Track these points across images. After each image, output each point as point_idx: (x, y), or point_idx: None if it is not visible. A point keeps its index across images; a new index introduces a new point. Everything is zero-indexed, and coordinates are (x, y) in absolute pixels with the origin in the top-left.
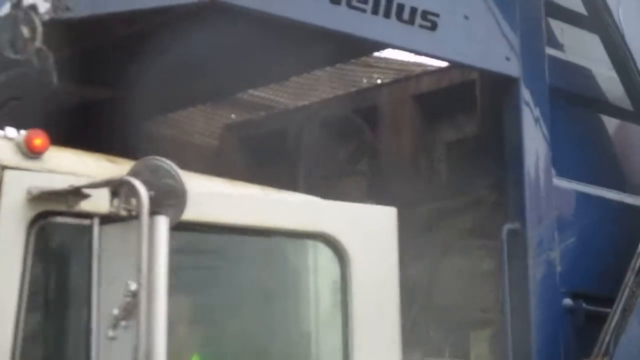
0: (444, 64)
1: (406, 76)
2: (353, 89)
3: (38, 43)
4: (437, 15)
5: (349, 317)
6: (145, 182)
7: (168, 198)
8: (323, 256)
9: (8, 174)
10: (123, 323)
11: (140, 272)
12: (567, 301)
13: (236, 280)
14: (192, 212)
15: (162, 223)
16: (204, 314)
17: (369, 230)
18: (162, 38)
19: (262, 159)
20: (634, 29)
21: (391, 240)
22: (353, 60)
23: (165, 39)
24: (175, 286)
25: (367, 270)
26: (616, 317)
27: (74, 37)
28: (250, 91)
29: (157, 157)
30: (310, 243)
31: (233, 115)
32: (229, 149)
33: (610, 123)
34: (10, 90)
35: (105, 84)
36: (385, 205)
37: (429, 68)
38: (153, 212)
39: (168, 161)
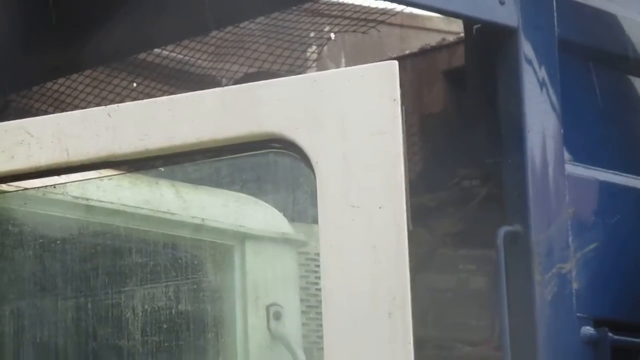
0: (414, 10)
1: None
2: (295, 44)
3: None
4: None
5: None
6: None
7: None
8: None
9: None
10: None
11: None
12: (588, 330)
13: None
14: None
15: None
16: None
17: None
18: None
19: None
20: None
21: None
22: (295, 8)
23: None
24: None
25: None
26: None
27: None
28: (157, 51)
29: None
30: None
31: (134, 84)
32: None
33: None
34: None
35: None
36: None
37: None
38: None
39: None
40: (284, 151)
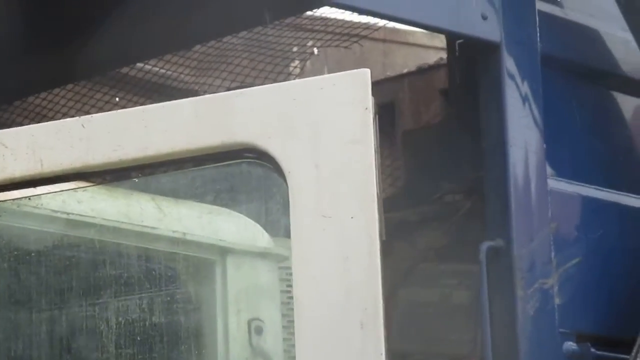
0: (397, 25)
1: None
2: (278, 59)
3: None
4: None
5: None
6: None
7: None
8: None
9: None
10: None
11: None
12: (570, 345)
13: None
14: None
15: None
16: None
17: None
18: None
19: None
20: None
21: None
22: (278, 22)
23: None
24: None
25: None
26: None
27: None
28: (139, 65)
29: None
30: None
31: (117, 98)
32: None
33: (626, 102)
34: None
35: None
36: None
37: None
38: None
39: None
40: (257, 161)
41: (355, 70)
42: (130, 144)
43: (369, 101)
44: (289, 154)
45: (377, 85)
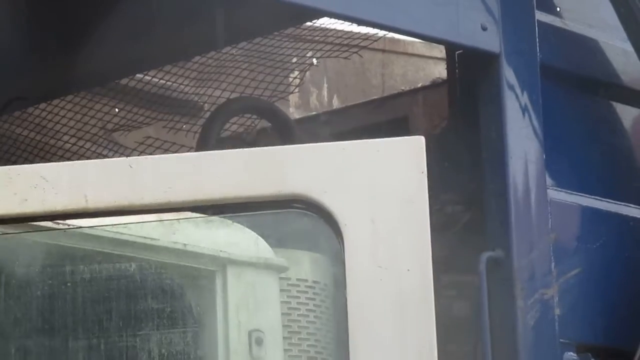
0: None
1: None
2: (277, 69)
3: None
4: None
5: None
6: None
7: None
8: None
9: None
10: None
11: None
12: (570, 355)
13: None
14: None
15: None
16: None
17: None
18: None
19: None
20: None
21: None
22: (277, 33)
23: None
24: None
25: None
26: None
27: None
28: (139, 76)
29: None
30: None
31: (116, 109)
32: None
33: (626, 113)
34: None
35: None
36: None
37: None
38: None
39: None
40: (307, 212)
41: (411, 137)
42: (182, 187)
43: (424, 166)
44: (346, 208)
45: (392, 100)
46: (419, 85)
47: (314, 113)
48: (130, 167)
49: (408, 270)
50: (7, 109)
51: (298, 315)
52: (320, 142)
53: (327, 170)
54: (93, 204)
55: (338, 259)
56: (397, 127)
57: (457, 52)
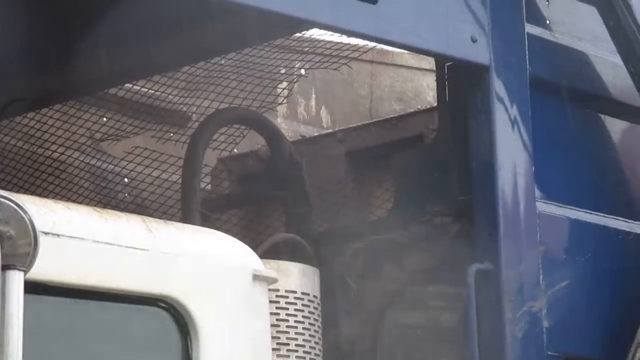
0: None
1: None
2: (266, 80)
3: None
4: None
5: None
6: None
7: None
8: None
9: None
10: None
11: None
12: None
13: None
14: None
15: (15, 279)
16: None
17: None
18: None
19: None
20: None
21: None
22: (266, 44)
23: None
24: None
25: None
26: None
27: None
28: (127, 85)
29: None
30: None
31: (104, 119)
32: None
33: (615, 125)
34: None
35: None
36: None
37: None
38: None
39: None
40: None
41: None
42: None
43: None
44: (205, 312)
45: (407, 118)
46: (435, 104)
47: (329, 131)
48: None
49: None
50: (7, 110)
51: (287, 326)
52: (336, 161)
53: (192, 277)
54: None
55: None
56: (413, 145)
57: (446, 64)
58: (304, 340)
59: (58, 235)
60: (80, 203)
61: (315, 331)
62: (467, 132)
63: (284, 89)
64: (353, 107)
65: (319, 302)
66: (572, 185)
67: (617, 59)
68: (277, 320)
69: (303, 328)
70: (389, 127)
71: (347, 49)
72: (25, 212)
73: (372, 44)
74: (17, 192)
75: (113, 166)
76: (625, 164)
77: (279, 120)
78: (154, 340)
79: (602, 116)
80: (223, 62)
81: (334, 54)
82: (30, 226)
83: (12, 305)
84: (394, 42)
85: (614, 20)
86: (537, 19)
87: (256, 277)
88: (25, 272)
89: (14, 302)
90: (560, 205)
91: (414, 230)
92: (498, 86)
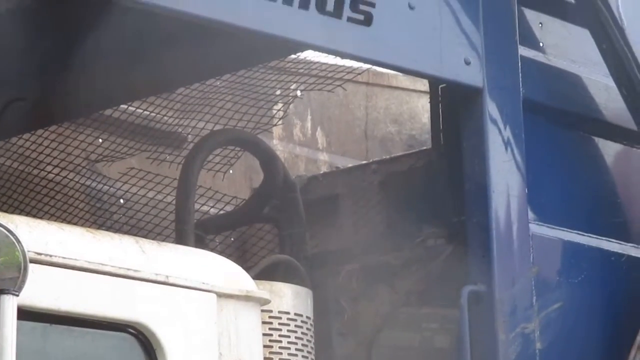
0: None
1: None
2: (261, 102)
3: None
4: (372, 4)
5: None
6: None
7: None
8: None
9: None
10: None
11: None
12: None
13: None
14: None
15: (9, 304)
16: None
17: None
18: None
19: None
20: (638, 22)
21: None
22: (261, 65)
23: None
24: None
25: None
26: None
27: None
28: (123, 107)
29: None
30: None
31: (100, 140)
32: None
33: (608, 148)
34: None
35: None
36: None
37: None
38: None
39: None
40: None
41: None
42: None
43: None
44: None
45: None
46: None
47: (364, 162)
48: None
49: None
50: (7, 111)
51: (279, 347)
52: (369, 191)
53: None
54: None
55: None
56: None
57: (440, 86)
58: None
59: (51, 256)
60: (75, 224)
61: (308, 352)
62: (460, 153)
63: (279, 110)
64: (349, 129)
65: (312, 323)
66: (565, 207)
67: (610, 82)
68: (269, 341)
69: (296, 349)
70: (420, 156)
71: (342, 71)
72: (15, 237)
73: (367, 66)
74: (12, 212)
75: (108, 187)
76: (618, 186)
77: (275, 141)
78: None
79: (596, 138)
80: (218, 83)
81: (329, 75)
82: (20, 252)
83: (6, 329)
84: (387, 64)
85: (607, 43)
86: (531, 41)
87: (249, 298)
88: (17, 296)
89: (8, 326)
90: (554, 227)
91: (408, 251)
92: (491, 108)
